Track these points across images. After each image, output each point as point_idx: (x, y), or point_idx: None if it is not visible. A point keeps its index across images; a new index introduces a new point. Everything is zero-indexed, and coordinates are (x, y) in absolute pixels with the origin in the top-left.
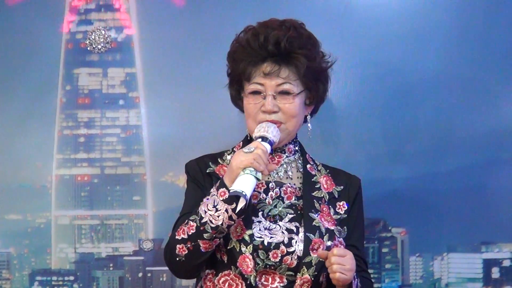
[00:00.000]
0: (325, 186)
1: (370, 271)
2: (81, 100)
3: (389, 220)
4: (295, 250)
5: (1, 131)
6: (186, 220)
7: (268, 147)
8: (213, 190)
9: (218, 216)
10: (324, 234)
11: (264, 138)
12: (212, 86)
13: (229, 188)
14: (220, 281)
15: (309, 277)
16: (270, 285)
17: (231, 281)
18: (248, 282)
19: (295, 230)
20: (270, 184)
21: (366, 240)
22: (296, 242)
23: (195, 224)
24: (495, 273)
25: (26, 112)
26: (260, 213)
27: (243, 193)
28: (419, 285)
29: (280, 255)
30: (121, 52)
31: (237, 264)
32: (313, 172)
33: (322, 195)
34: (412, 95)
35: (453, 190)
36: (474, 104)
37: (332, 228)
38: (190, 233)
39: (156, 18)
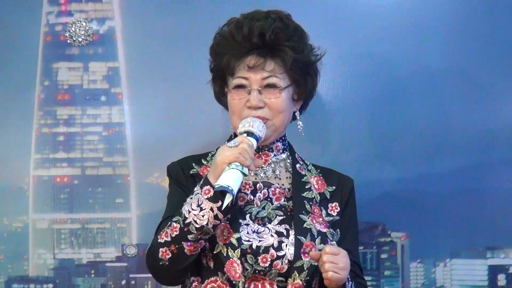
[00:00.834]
0: (316, 186)
1: (367, 278)
2: (61, 96)
3: (388, 224)
4: (285, 254)
5: None
6: (169, 222)
7: (254, 142)
8: (196, 188)
9: (203, 216)
10: (316, 237)
11: (249, 133)
12: (201, 82)
13: (214, 184)
14: None
15: (300, 283)
16: None
17: None
18: None
19: (285, 233)
20: (258, 185)
21: (363, 245)
22: (286, 245)
23: (178, 226)
24: (501, 280)
25: (1, 109)
26: (247, 216)
27: (229, 187)
28: None
29: (269, 259)
30: (103, 45)
31: (225, 270)
32: (303, 172)
33: (313, 196)
34: (408, 91)
35: (456, 191)
36: (474, 101)
37: (325, 230)
38: (173, 235)
39: (141, 8)
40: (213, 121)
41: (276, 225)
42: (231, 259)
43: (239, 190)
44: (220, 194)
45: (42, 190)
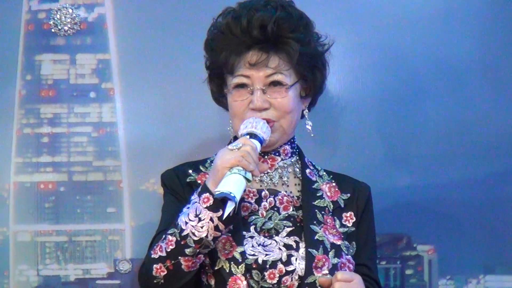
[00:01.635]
0: (329, 194)
1: None
2: (45, 93)
3: (414, 236)
4: (295, 269)
5: None
6: (164, 236)
7: (258, 144)
8: (194, 197)
9: (201, 227)
10: (329, 249)
11: (252, 135)
12: (202, 76)
13: (214, 191)
14: None
15: None
16: None
17: None
18: None
19: (294, 245)
20: (263, 193)
21: (386, 259)
22: (296, 259)
23: (174, 239)
24: None
25: None
26: (252, 227)
27: (231, 194)
28: None
29: (278, 275)
30: (92, 35)
31: None
32: (313, 178)
33: (326, 205)
34: (427, 88)
35: (489, 200)
36: (499, 100)
37: (339, 243)
38: (169, 250)
39: None
40: (217, 121)
41: (284, 237)
42: (234, 275)
43: (242, 199)
44: (220, 202)
45: (24, 198)
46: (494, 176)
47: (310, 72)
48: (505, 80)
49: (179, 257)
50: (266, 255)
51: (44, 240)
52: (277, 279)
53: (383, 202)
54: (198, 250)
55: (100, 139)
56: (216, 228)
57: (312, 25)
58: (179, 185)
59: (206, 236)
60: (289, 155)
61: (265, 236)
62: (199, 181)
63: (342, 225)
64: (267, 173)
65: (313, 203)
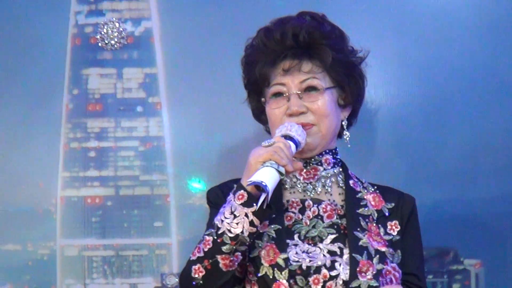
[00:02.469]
0: (373, 203)
1: None
2: (92, 107)
3: (460, 250)
4: (339, 274)
5: None
6: (202, 237)
7: (292, 145)
8: (230, 196)
9: (237, 223)
10: (373, 255)
11: (287, 137)
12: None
13: (246, 181)
14: None
15: None
16: None
17: None
18: None
19: (338, 251)
20: (306, 202)
21: (433, 273)
22: (340, 264)
23: (211, 238)
24: None
25: (26, 122)
26: (296, 235)
27: (263, 183)
28: None
29: (322, 280)
30: (139, 49)
31: None
32: (357, 188)
33: (370, 213)
34: (487, 97)
35: None
36: None
37: (383, 249)
38: (206, 249)
39: (181, 7)
40: (263, 134)
41: (328, 244)
42: (278, 281)
43: (286, 209)
44: (255, 198)
45: (71, 213)
46: None
47: (346, 79)
48: None
49: (217, 256)
50: (310, 261)
51: (91, 255)
52: (321, 284)
53: (429, 216)
54: (234, 247)
55: (147, 153)
56: (251, 223)
57: (346, 37)
58: (224, 200)
59: (242, 232)
60: (331, 165)
61: (309, 244)
62: None
63: (387, 233)
64: (310, 182)
65: (357, 211)
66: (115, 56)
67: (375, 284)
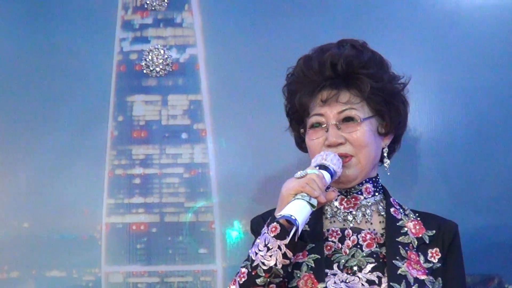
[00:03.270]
0: (413, 231)
1: None
2: (136, 134)
3: (505, 277)
4: None
5: (41, 171)
6: (238, 270)
7: (327, 175)
8: (264, 228)
9: (270, 256)
10: (412, 284)
11: (322, 167)
12: None
13: (277, 215)
14: None
15: None
16: None
17: None
18: None
19: (377, 281)
20: (346, 231)
21: None
22: None
23: (246, 270)
24: None
25: (70, 148)
26: (335, 265)
27: (292, 217)
28: None
29: None
30: (184, 76)
31: None
32: (398, 216)
33: (410, 241)
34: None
35: None
36: None
37: (423, 277)
38: (241, 282)
39: (226, 34)
40: (308, 161)
41: (367, 273)
42: None
43: (326, 238)
44: (287, 231)
45: (116, 239)
46: None
47: (386, 108)
48: None
49: None
50: None
51: (136, 281)
52: None
53: (472, 242)
54: (268, 280)
55: (191, 180)
56: (284, 255)
57: (387, 64)
58: None
59: (275, 265)
60: (372, 193)
61: (348, 273)
62: None
63: (427, 261)
64: (350, 212)
65: (396, 239)
66: (160, 82)
67: None
